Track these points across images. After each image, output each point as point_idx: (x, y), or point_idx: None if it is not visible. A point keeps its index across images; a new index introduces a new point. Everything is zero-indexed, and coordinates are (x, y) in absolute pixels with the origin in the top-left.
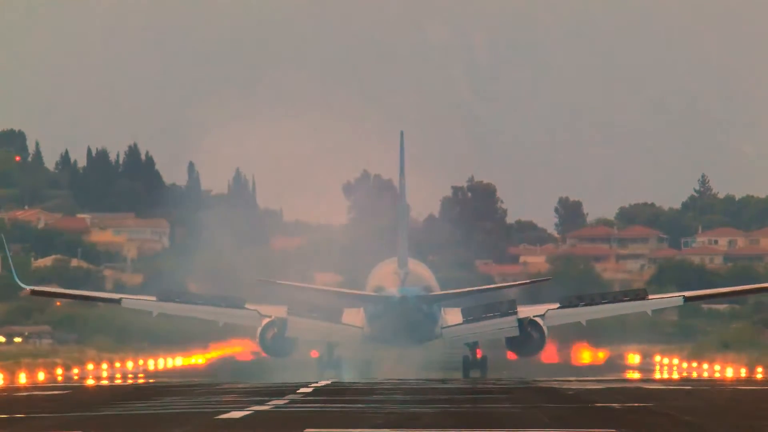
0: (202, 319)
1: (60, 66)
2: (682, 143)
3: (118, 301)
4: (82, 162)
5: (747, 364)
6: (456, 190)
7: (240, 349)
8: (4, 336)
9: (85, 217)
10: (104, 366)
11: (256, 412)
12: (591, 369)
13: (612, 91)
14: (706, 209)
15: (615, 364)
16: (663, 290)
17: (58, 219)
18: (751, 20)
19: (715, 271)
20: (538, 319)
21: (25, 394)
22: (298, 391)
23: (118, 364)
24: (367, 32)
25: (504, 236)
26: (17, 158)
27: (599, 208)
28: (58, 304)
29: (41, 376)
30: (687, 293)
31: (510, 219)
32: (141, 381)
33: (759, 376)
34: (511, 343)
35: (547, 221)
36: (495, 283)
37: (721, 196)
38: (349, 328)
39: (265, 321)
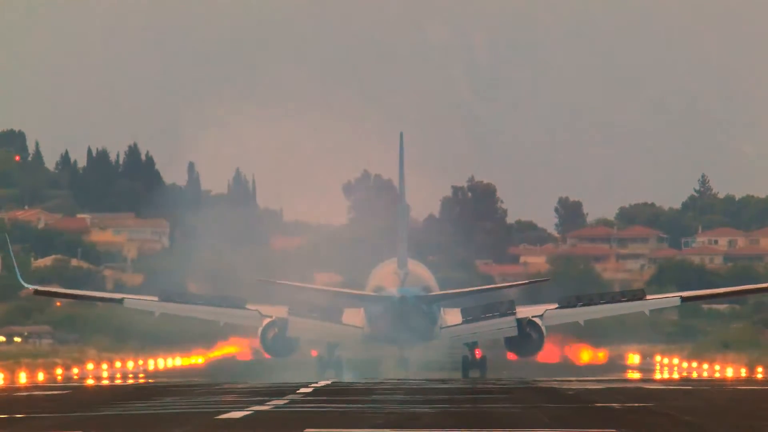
0: (202, 320)
1: (60, 66)
2: (682, 143)
3: (120, 301)
4: (82, 162)
5: (747, 364)
6: (456, 190)
7: (238, 349)
8: (4, 336)
9: (85, 217)
10: (104, 366)
11: (256, 412)
12: (591, 369)
13: (612, 91)
14: (706, 209)
15: (615, 364)
16: (663, 290)
17: (58, 219)
18: (751, 20)
19: (715, 271)
20: (536, 320)
21: (25, 394)
22: (298, 391)
23: (118, 364)
24: (367, 32)
25: (504, 236)
26: (17, 158)
27: (599, 208)
28: (59, 304)
29: (41, 376)
30: (684, 293)
31: (510, 219)
32: (141, 381)
33: (759, 376)
34: (510, 343)
35: (547, 221)
36: (495, 283)
37: (721, 196)
38: (349, 328)
39: (266, 321)
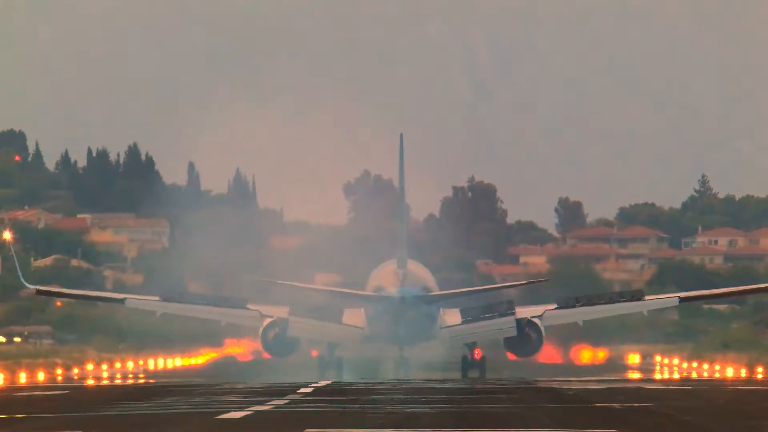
0: (203, 320)
1: (60, 66)
2: (682, 143)
3: (122, 301)
4: (82, 162)
5: (747, 364)
6: (456, 190)
7: (240, 350)
8: (4, 336)
9: (85, 217)
10: (104, 366)
11: (257, 412)
12: (591, 369)
13: (612, 91)
14: (706, 209)
15: (615, 365)
16: (663, 290)
17: (58, 219)
18: (752, 20)
19: (715, 271)
20: (535, 320)
21: (25, 394)
22: (298, 391)
23: (118, 364)
24: (367, 32)
25: (504, 236)
26: (17, 158)
27: (599, 208)
28: (59, 304)
29: (41, 376)
30: (682, 294)
31: (510, 219)
32: (141, 381)
33: (759, 376)
34: (509, 343)
35: (547, 221)
36: (495, 283)
37: (721, 196)
38: (349, 328)
39: (267, 321)
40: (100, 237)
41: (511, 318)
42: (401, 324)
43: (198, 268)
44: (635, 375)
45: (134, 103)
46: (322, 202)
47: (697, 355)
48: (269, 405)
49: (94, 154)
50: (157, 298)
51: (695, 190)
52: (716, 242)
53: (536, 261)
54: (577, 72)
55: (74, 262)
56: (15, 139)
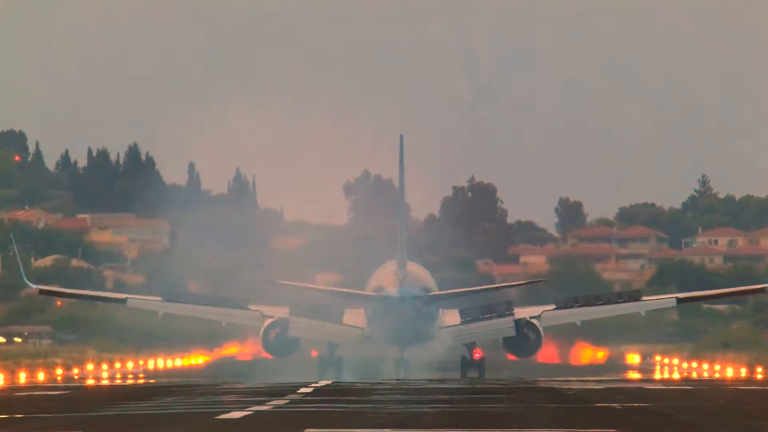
0: (204, 320)
1: (60, 66)
2: (682, 143)
3: (124, 301)
4: (82, 162)
5: (747, 364)
6: (456, 190)
7: (235, 350)
8: (4, 336)
9: (85, 217)
10: (104, 366)
11: (257, 412)
12: (591, 369)
13: (612, 91)
14: (706, 209)
15: (615, 364)
16: (664, 290)
17: (58, 219)
18: (752, 20)
19: (715, 271)
20: (534, 320)
21: (25, 394)
22: (298, 391)
23: (118, 365)
24: (367, 32)
25: (504, 236)
26: (17, 158)
27: (599, 208)
28: (59, 304)
29: (41, 376)
30: (680, 295)
31: (510, 219)
32: (141, 381)
33: (759, 376)
34: (508, 343)
35: (548, 221)
36: (495, 283)
37: (721, 196)
38: (349, 328)
39: (268, 321)
40: (100, 237)
41: (510, 318)
42: (401, 324)
43: (198, 268)
44: (635, 375)
45: (134, 103)
46: (322, 202)
47: (697, 355)
48: (269, 405)
49: (94, 154)
50: (158, 299)
51: (695, 190)
52: (716, 242)
53: (536, 261)
54: (577, 72)
55: (74, 262)
56: (15, 139)
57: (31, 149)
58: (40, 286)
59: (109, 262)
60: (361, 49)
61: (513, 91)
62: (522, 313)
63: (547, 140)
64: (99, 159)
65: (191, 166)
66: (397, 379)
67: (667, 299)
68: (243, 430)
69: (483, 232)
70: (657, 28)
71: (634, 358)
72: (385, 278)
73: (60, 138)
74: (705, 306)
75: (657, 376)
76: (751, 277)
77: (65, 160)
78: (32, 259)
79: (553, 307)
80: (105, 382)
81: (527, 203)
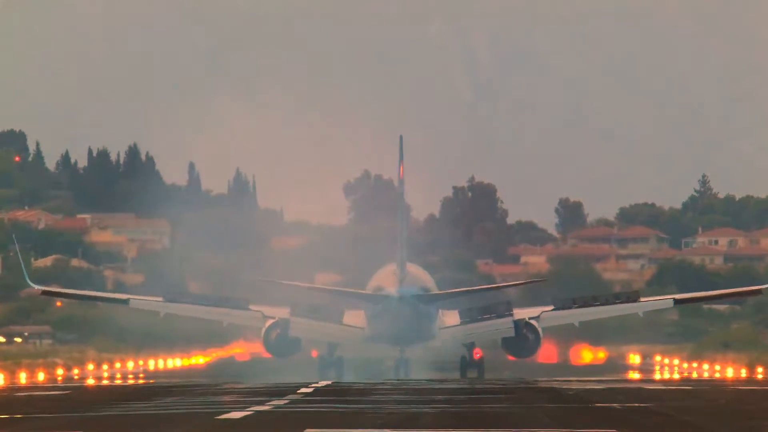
0: (205, 320)
1: (60, 66)
2: (682, 143)
3: (126, 301)
4: (82, 162)
5: (747, 364)
6: (456, 190)
7: (239, 350)
8: (4, 336)
9: (85, 217)
10: (104, 366)
11: (257, 412)
12: (591, 369)
13: (612, 91)
14: (706, 209)
15: (615, 365)
16: (664, 290)
17: (58, 219)
18: (752, 20)
19: (715, 271)
20: (533, 321)
21: (25, 394)
22: (298, 392)
23: (118, 365)
24: (367, 32)
25: (504, 236)
26: (17, 158)
27: (599, 208)
28: (59, 304)
29: (41, 376)
30: (677, 296)
31: (510, 219)
32: (141, 381)
33: (759, 376)
34: (507, 344)
35: (548, 221)
36: (495, 283)
37: (721, 196)
38: (350, 328)
39: (269, 322)
40: (100, 237)
41: (509, 319)
42: (400, 323)
43: (198, 268)
44: (635, 375)
45: (134, 103)
46: (322, 202)
47: (697, 355)
48: (269, 405)
49: (94, 154)
50: (160, 299)
51: (695, 190)
52: (716, 242)
53: (536, 261)
54: (577, 72)
55: (74, 262)
56: (15, 139)
57: (31, 149)
58: (43, 287)
59: (109, 262)
60: (361, 49)
61: (513, 91)
62: (521, 313)
63: (547, 140)
64: (99, 159)
65: (191, 166)
66: (397, 379)
67: (664, 300)
68: (243, 430)
69: (483, 232)
70: (657, 28)
71: (634, 359)
72: (385, 278)
73: (60, 138)
74: (705, 306)
75: (657, 376)
76: (751, 277)
77: (65, 160)
78: (32, 259)
79: (552, 307)
80: (105, 382)
81: (527, 203)
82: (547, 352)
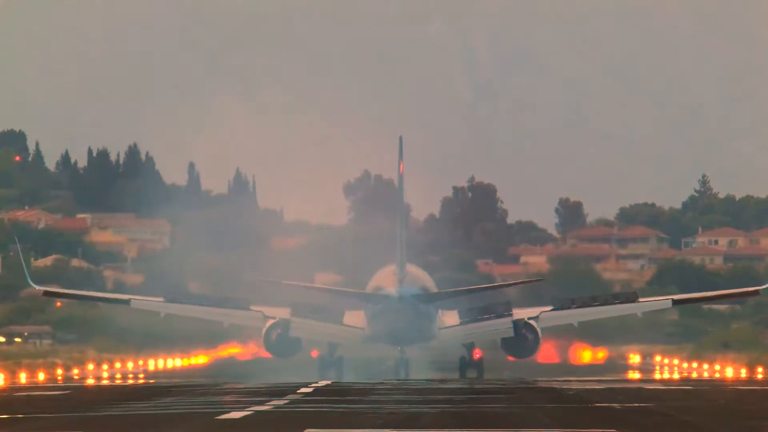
0: (206, 321)
1: (60, 66)
2: (682, 143)
3: (128, 302)
4: (82, 162)
5: (747, 364)
6: (456, 190)
7: (239, 350)
8: (4, 336)
9: (85, 217)
10: (104, 366)
11: (257, 412)
12: (591, 369)
13: (612, 91)
14: (706, 209)
15: (615, 365)
16: (664, 290)
17: (58, 219)
18: (752, 20)
19: (715, 271)
20: (532, 321)
21: (25, 394)
22: (298, 392)
23: (118, 365)
24: (367, 32)
25: (504, 236)
26: (17, 158)
27: (599, 208)
28: (59, 304)
29: (41, 376)
30: (675, 296)
31: (510, 219)
32: (141, 381)
33: (759, 376)
34: (507, 344)
35: (548, 221)
36: (495, 283)
37: (721, 196)
38: (350, 329)
39: (270, 322)
40: (100, 237)
41: (509, 319)
42: (400, 322)
43: (198, 268)
44: (635, 375)
45: (134, 103)
46: (322, 202)
47: (697, 355)
48: (269, 405)
49: (94, 154)
50: (161, 299)
51: (695, 190)
52: (716, 242)
53: (536, 261)
54: (577, 72)
55: (74, 262)
56: (15, 139)
57: (31, 149)
58: (45, 288)
59: (109, 262)
60: (361, 49)
61: (513, 91)
62: (520, 314)
63: (547, 140)
64: (99, 159)
65: (191, 166)
66: (397, 379)
67: (662, 301)
68: (243, 430)
69: (483, 232)
70: (657, 28)
71: (634, 359)
72: (385, 279)
73: (60, 138)
74: (705, 306)
75: (657, 376)
76: (751, 277)
77: (65, 160)
78: (32, 259)
79: (551, 308)
80: (105, 382)
81: (527, 203)
82: (547, 352)
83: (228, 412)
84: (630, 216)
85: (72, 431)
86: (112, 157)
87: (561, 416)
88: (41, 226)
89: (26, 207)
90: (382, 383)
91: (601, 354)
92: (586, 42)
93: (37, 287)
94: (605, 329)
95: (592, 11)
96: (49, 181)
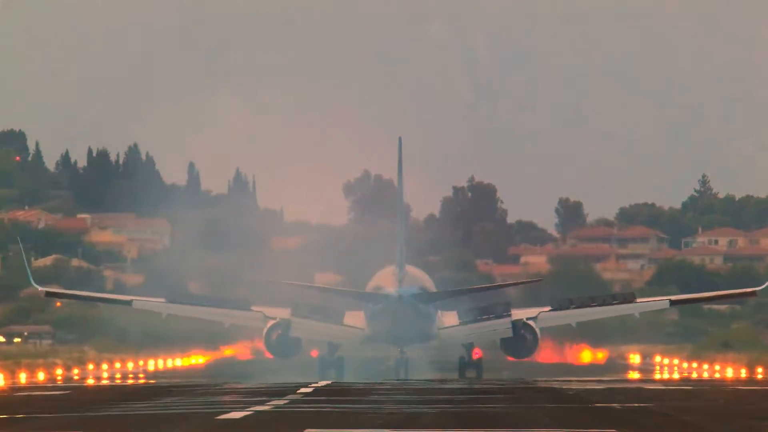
0: (207, 321)
1: (60, 66)
2: (682, 143)
3: (130, 302)
4: (82, 162)
5: (747, 364)
6: (456, 190)
7: (240, 350)
8: (4, 336)
9: (85, 217)
10: (104, 366)
11: (257, 412)
12: (591, 369)
13: (612, 91)
14: (706, 209)
15: (615, 365)
16: (664, 290)
17: (58, 219)
18: (752, 20)
19: (715, 271)
20: (530, 322)
21: (25, 394)
22: (298, 392)
23: (118, 365)
24: (366, 32)
25: (504, 236)
26: (17, 158)
27: (599, 208)
28: (59, 304)
29: (41, 376)
30: (673, 297)
31: (510, 219)
32: (141, 381)
33: (759, 376)
34: (506, 344)
35: (548, 221)
36: (495, 283)
37: (721, 196)
38: (350, 329)
39: (270, 323)
40: (100, 237)
41: (508, 320)
42: (399, 322)
43: (198, 268)
44: (635, 375)
45: (134, 103)
46: (322, 202)
47: (697, 355)
48: (269, 405)
49: (94, 154)
50: (162, 300)
51: (695, 190)
52: (716, 242)
53: (536, 261)
54: (577, 72)
55: (74, 262)
56: (15, 139)
57: (31, 149)
58: (47, 289)
59: (109, 262)
60: (361, 49)
61: (513, 91)
62: (519, 314)
63: (547, 140)
64: (99, 159)
65: (191, 165)
66: (397, 379)
67: (660, 301)
68: (243, 430)
69: (483, 232)
70: (657, 28)
71: (634, 359)
72: (384, 279)
73: (60, 138)
74: (705, 306)
75: (657, 376)
76: (751, 277)
77: (65, 160)
78: (32, 259)
79: (550, 308)
80: (105, 382)
81: (527, 203)
82: (546, 353)
83: (228, 412)
84: (630, 216)
85: (72, 431)
86: (112, 157)
87: (561, 416)
88: (41, 226)
89: (26, 207)
90: (381, 383)
91: (601, 354)
92: (586, 42)
93: (40, 288)
94: (605, 329)
95: (592, 11)
96: (49, 181)
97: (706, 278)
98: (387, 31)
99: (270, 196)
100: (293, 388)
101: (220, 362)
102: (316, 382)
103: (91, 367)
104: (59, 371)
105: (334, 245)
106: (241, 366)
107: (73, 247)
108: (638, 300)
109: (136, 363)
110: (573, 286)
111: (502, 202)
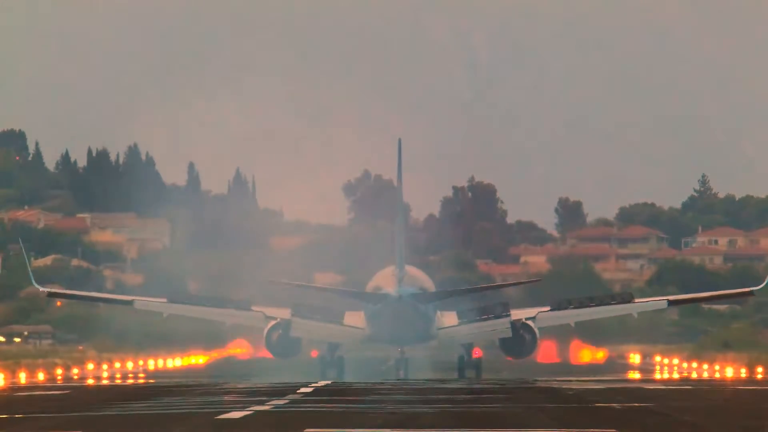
0: (207, 321)
1: (60, 66)
2: (682, 143)
3: (131, 302)
4: (82, 162)
5: (747, 364)
6: (456, 190)
7: (241, 350)
8: (4, 336)
9: (85, 217)
10: (104, 366)
11: (257, 412)
12: (591, 369)
13: (612, 91)
14: (706, 209)
15: (615, 365)
16: (663, 290)
17: (58, 219)
18: (752, 20)
19: (715, 271)
20: (529, 322)
21: (25, 394)
22: (298, 391)
23: (118, 364)
24: (366, 31)
25: (504, 236)
26: (17, 158)
27: (599, 208)
28: (59, 304)
29: (41, 376)
30: (671, 297)
31: (510, 219)
32: (141, 381)
33: (759, 376)
34: (505, 344)
35: (547, 221)
36: (495, 283)
37: (721, 196)
38: (350, 329)
39: (271, 323)
40: (100, 237)
41: (507, 320)
42: (399, 322)
43: (198, 268)
44: (635, 375)
45: (134, 103)
46: (322, 202)
47: (696, 355)
48: (269, 405)
49: (94, 154)
50: (164, 300)
51: (695, 190)
52: (716, 242)
53: (536, 261)
54: (577, 72)
55: (74, 262)
56: (15, 139)
57: (31, 149)
58: (48, 289)
59: (109, 262)
60: (361, 48)
61: (513, 91)
62: (518, 314)
63: (547, 140)
64: (99, 159)
65: (191, 166)
66: (397, 379)
67: (658, 301)
68: (243, 430)
69: (483, 232)
70: (657, 28)
71: (634, 358)
72: (384, 279)
73: (60, 138)
74: (705, 306)
75: (657, 376)
76: (751, 277)
77: (65, 160)
78: (32, 259)
79: (548, 308)
80: (105, 382)
81: (527, 203)
82: (546, 352)
83: (228, 412)
84: (630, 216)
85: (72, 431)
86: (112, 157)
87: (561, 416)
88: (41, 226)
89: (26, 207)
90: (381, 383)
91: (601, 354)
92: (586, 42)
93: (42, 288)
94: (605, 329)
95: (592, 11)
96: (49, 181)
97: (706, 278)
98: (387, 31)
99: (270, 196)
100: (293, 388)
101: (220, 362)
102: (316, 382)
103: (91, 367)
104: (59, 371)
105: (334, 245)
106: (241, 366)
107: (73, 247)
108: (636, 300)
109: (136, 363)
110: (573, 286)
111: (501, 202)
